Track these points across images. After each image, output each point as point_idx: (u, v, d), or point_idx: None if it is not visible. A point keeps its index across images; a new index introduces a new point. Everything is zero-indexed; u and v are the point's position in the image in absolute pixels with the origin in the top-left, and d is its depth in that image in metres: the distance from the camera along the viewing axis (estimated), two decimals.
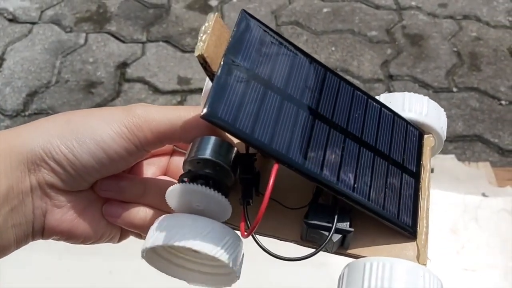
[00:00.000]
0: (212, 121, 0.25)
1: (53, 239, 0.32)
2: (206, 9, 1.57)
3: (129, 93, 1.33)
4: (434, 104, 0.35)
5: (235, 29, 0.28)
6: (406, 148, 0.32)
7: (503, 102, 1.30)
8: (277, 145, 0.26)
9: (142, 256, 0.29)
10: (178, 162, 0.35)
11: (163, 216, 0.29)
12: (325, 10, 1.56)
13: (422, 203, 0.31)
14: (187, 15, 1.55)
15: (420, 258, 0.29)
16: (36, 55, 1.42)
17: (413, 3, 1.58)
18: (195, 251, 0.27)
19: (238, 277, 0.29)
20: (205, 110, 0.25)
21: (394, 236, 0.30)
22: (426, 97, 0.35)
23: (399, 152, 0.32)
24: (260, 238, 0.29)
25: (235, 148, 0.29)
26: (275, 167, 0.26)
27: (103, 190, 0.32)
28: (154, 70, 1.38)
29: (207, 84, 0.34)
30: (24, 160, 0.29)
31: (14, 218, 0.29)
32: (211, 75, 0.27)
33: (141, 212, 0.32)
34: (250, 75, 0.27)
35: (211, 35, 0.26)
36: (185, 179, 0.29)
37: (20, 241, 0.30)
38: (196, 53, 0.26)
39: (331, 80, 0.31)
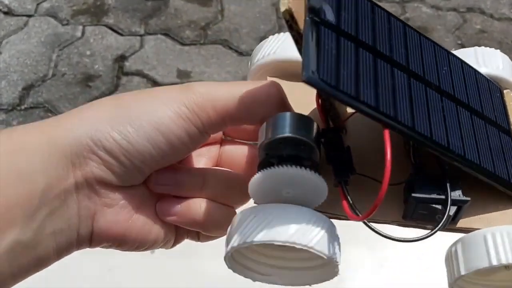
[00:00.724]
0: (316, 85, 0.22)
1: (102, 247, 0.27)
2: (205, 1, 1.54)
3: (127, 86, 1.30)
4: (507, 59, 0.33)
5: None
6: (494, 105, 0.30)
7: None
8: (384, 109, 0.23)
9: (226, 260, 0.25)
10: (230, 151, 0.31)
11: (246, 209, 0.25)
12: None
13: None
14: (186, 7, 1.52)
15: None
16: (32, 48, 1.39)
17: None
18: (289, 248, 0.23)
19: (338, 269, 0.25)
20: (306, 73, 0.21)
21: (505, 202, 0.27)
22: (498, 51, 0.33)
23: (490, 110, 0.29)
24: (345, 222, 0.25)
25: (315, 123, 0.26)
26: (387, 134, 0.22)
27: (159, 184, 0.27)
28: (153, 63, 1.35)
29: (257, 52, 0.31)
30: (67, 153, 0.24)
31: (54, 223, 0.24)
32: (296, 34, 0.23)
33: (202, 206, 0.27)
34: (337, 31, 0.24)
35: None
36: (272, 162, 0.25)
37: (62, 251, 0.25)
38: (283, 8, 0.22)
39: (412, 35, 0.28)
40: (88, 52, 1.38)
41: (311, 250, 0.23)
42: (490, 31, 1.45)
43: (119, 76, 1.33)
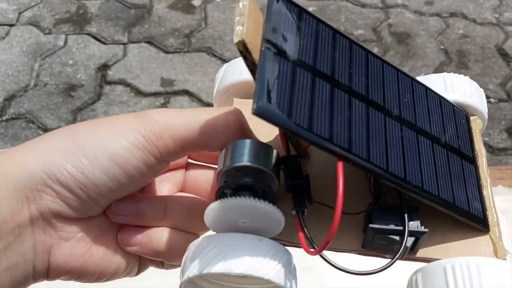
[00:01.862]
0: (266, 118, 0.21)
1: (61, 279, 0.26)
2: (189, 9, 1.53)
3: (110, 95, 1.29)
4: (475, 85, 0.33)
5: (268, 10, 0.24)
6: (459, 133, 0.30)
7: (491, 100, 1.28)
8: (338, 140, 0.23)
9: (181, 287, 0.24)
10: (195, 175, 0.30)
11: (201, 238, 0.24)
12: (310, 8, 1.54)
13: (485, 192, 0.28)
14: (169, 15, 1.51)
15: (499, 252, 0.26)
16: (13, 58, 1.37)
17: (399, 1, 1.56)
18: (247, 276, 0.23)
19: None
20: (256, 106, 0.21)
21: (464, 231, 0.27)
22: (467, 77, 0.33)
23: (453, 137, 0.29)
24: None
25: (275, 150, 0.25)
26: (340, 166, 0.22)
27: (118, 215, 0.26)
28: (136, 72, 1.34)
29: (224, 72, 0.31)
30: (21, 186, 0.24)
31: (9, 258, 0.24)
32: (251, 64, 0.23)
33: (164, 236, 0.27)
34: (294, 61, 0.24)
35: (248, 18, 0.22)
36: (227, 193, 0.24)
37: (18, 285, 0.25)
38: (236, 39, 0.22)
39: (374, 63, 0.28)
40: (70, 61, 1.37)
41: (269, 281, 0.22)
42: (472, 36, 1.46)
43: (102, 85, 1.31)
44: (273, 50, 0.23)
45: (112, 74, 1.34)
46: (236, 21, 0.22)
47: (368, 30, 1.47)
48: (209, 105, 1.26)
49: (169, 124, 0.25)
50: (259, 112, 0.21)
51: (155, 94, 1.29)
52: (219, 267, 0.22)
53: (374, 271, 0.24)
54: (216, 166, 0.31)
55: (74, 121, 1.23)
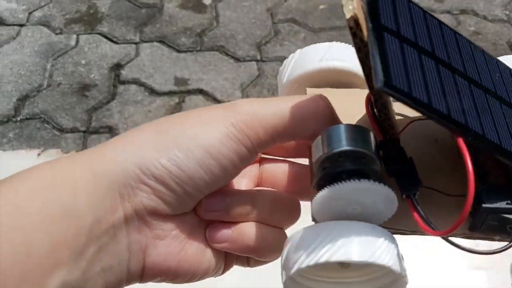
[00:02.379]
0: (393, 93, 0.21)
1: (154, 281, 0.25)
2: (200, 7, 1.53)
3: (124, 95, 1.28)
4: None
5: None
6: None
7: None
8: (456, 116, 0.22)
9: (287, 283, 0.23)
10: (270, 169, 0.30)
11: (302, 229, 0.23)
12: (321, 6, 1.54)
13: None
14: (180, 14, 1.51)
15: None
16: (25, 58, 1.37)
17: None
18: (359, 267, 0.23)
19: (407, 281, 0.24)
20: (380, 81, 0.20)
21: None
22: None
23: None
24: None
25: (372, 133, 0.25)
26: (461, 143, 0.21)
27: (209, 210, 0.26)
28: (150, 71, 1.34)
29: (297, 60, 0.30)
30: (114, 184, 0.23)
31: (103, 260, 0.23)
32: (359, 42, 0.22)
33: (253, 230, 0.26)
34: (399, 37, 0.23)
35: None
36: (331, 180, 0.23)
37: None
38: (348, 15, 0.21)
39: (464, 42, 0.28)
40: (83, 61, 1.37)
41: (389, 269, 0.22)
42: (484, 32, 1.46)
43: (116, 85, 1.31)
44: (380, 26, 0.22)
45: (125, 73, 1.34)
46: None
47: None
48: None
49: (259, 113, 0.25)
50: (386, 87, 0.20)
51: (169, 94, 1.29)
52: (339, 255, 0.22)
53: (498, 250, 0.23)
54: (289, 159, 0.31)
55: (89, 121, 1.22)
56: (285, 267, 0.23)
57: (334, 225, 0.23)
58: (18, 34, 1.44)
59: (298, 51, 0.32)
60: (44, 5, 1.53)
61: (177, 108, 1.25)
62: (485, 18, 1.51)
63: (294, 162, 0.31)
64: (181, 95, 1.29)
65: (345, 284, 0.25)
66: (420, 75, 0.23)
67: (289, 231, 0.28)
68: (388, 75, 0.21)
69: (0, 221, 0.21)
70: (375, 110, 0.26)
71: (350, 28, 0.22)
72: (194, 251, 0.26)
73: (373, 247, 0.22)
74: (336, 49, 0.31)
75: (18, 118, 1.23)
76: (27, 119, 1.23)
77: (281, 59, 1.36)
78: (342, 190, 0.23)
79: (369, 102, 0.26)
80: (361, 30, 0.22)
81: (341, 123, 0.26)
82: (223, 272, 0.28)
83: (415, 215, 0.23)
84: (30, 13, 1.50)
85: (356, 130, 0.24)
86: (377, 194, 0.23)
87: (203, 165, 0.24)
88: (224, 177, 0.25)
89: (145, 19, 1.49)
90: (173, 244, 0.25)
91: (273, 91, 1.29)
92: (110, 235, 0.23)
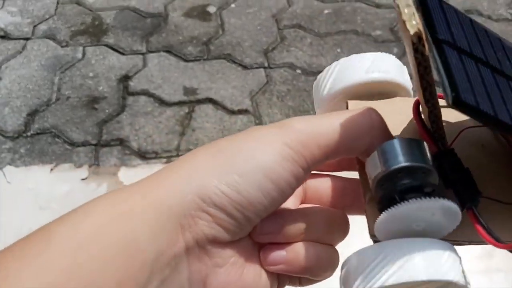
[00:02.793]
0: (466, 108, 0.21)
1: None
2: (204, 16, 1.53)
3: (134, 106, 1.28)
4: None
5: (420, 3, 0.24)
6: None
7: None
8: None
9: None
10: (314, 185, 0.29)
11: (365, 248, 0.23)
12: (326, 11, 1.54)
13: None
14: (186, 23, 1.51)
15: None
16: (33, 72, 1.37)
17: None
18: (424, 283, 0.22)
19: None
20: (455, 96, 0.20)
21: None
22: None
23: None
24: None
25: (426, 145, 0.24)
26: None
27: (264, 233, 0.25)
28: (158, 82, 1.34)
29: (340, 72, 0.30)
30: (174, 214, 0.23)
31: None
32: (420, 56, 0.22)
33: (308, 250, 0.26)
34: (457, 49, 0.23)
35: (414, 8, 0.21)
36: (394, 198, 0.23)
37: None
38: (412, 31, 0.21)
39: (509, 47, 0.28)
40: (91, 74, 1.36)
41: (453, 283, 0.22)
42: None
43: (125, 96, 1.31)
44: (439, 38, 0.23)
45: (134, 85, 1.33)
46: (403, 12, 0.21)
47: (385, 30, 1.47)
48: (234, 112, 1.26)
49: (313, 131, 0.24)
50: (461, 102, 0.20)
51: (179, 104, 1.29)
52: (403, 277, 0.22)
53: None
54: (332, 173, 0.31)
55: (100, 134, 1.22)
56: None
57: (398, 244, 0.23)
58: (24, 48, 1.44)
59: (335, 63, 0.32)
60: (49, 18, 1.52)
61: (188, 118, 1.25)
62: (489, 17, 1.51)
63: (336, 176, 0.30)
64: (190, 105, 1.29)
65: None
66: (482, 86, 0.22)
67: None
68: (457, 91, 0.21)
69: (64, 263, 0.21)
70: (427, 122, 0.26)
71: (413, 44, 0.21)
72: (252, 276, 0.25)
73: (438, 264, 0.22)
74: (380, 60, 0.31)
75: (29, 133, 1.23)
76: (37, 134, 1.23)
77: (288, 65, 1.36)
78: (407, 210, 0.23)
79: (418, 113, 0.26)
80: (423, 45, 0.22)
81: (392, 136, 0.26)
82: None
83: (478, 228, 0.23)
84: (35, 26, 1.50)
85: (412, 144, 0.24)
86: (440, 209, 0.23)
87: (262, 189, 0.23)
88: (281, 200, 0.25)
89: (151, 29, 1.49)
90: (232, 271, 0.24)
91: (282, 98, 1.29)
92: (172, 266, 0.23)
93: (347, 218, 0.28)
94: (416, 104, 0.26)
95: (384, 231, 0.24)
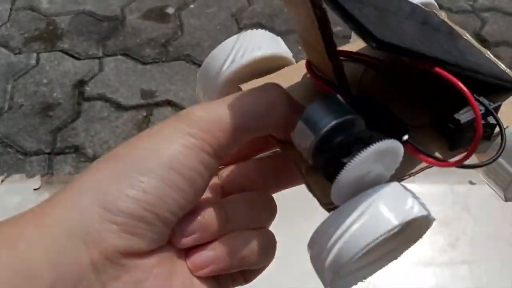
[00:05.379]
0: (390, 46, 0.21)
1: None
2: (163, 17, 1.49)
3: (90, 112, 1.24)
4: None
5: None
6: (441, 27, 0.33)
7: None
8: (430, 52, 0.24)
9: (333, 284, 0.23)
10: (228, 176, 0.28)
11: (327, 219, 0.23)
12: (286, 9, 1.52)
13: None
14: (143, 25, 1.47)
15: None
16: None
17: None
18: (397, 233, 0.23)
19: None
20: (377, 38, 0.21)
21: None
22: None
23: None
24: None
25: (339, 96, 0.24)
26: (445, 73, 0.23)
27: (185, 235, 0.23)
28: (115, 86, 1.30)
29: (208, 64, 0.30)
30: (75, 234, 0.21)
31: None
32: (319, 11, 0.22)
33: (236, 239, 0.24)
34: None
35: None
36: (344, 158, 0.23)
37: None
38: None
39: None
40: (45, 80, 1.32)
41: (425, 216, 0.23)
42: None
43: (80, 102, 1.27)
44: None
45: (89, 90, 1.29)
46: None
47: (346, 26, 1.46)
48: None
49: (214, 116, 0.23)
50: (385, 42, 0.21)
51: (137, 107, 1.25)
52: (376, 233, 0.22)
53: (487, 162, 0.25)
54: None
55: (54, 142, 1.18)
56: (330, 265, 0.22)
57: (354, 204, 0.23)
58: None
59: (222, 45, 0.31)
60: (1, 25, 1.47)
61: (145, 121, 1.22)
62: (450, 10, 1.51)
63: (249, 160, 0.30)
64: (148, 108, 1.25)
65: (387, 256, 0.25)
66: (388, 25, 0.23)
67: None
68: (375, 33, 0.21)
69: None
70: (331, 76, 0.25)
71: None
72: (181, 287, 0.23)
73: (405, 204, 0.23)
74: (245, 40, 0.31)
75: None
76: None
77: None
78: (360, 163, 0.22)
79: (311, 70, 0.26)
80: None
81: (299, 103, 0.25)
82: None
83: (422, 157, 0.24)
84: None
85: (329, 102, 0.23)
86: (387, 150, 0.23)
87: (168, 182, 0.22)
88: (194, 192, 0.23)
89: (107, 33, 1.45)
90: (158, 284, 0.22)
91: None
92: None
93: (271, 197, 0.28)
94: (308, 65, 0.27)
95: (342, 193, 0.23)
